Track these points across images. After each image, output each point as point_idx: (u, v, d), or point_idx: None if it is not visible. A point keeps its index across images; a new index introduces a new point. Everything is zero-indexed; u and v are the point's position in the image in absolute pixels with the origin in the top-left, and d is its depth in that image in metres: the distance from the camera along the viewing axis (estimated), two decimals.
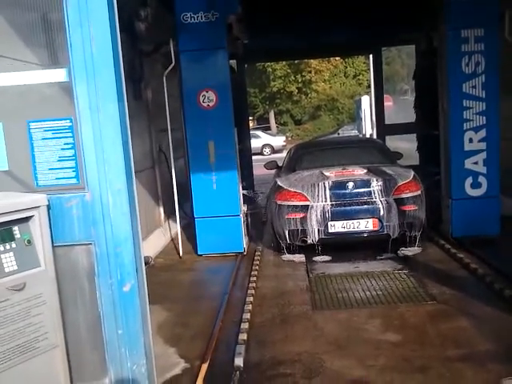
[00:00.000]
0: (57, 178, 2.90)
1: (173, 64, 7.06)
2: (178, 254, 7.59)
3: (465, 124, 7.01)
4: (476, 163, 7.06)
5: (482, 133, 7.00)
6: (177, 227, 8.48)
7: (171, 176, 7.72)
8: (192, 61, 7.10)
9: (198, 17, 6.92)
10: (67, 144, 2.87)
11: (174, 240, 8.34)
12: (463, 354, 4.06)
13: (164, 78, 7.23)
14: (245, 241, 7.57)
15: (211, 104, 7.14)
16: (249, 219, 8.39)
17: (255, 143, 23.79)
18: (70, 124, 2.85)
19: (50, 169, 2.90)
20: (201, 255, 7.46)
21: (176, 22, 6.97)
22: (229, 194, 7.34)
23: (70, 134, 2.86)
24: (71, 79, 2.78)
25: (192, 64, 7.10)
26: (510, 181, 7.51)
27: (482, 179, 7.08)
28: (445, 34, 7.05)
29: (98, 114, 2.78)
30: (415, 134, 10.01)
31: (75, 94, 2.77)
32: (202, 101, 7.14)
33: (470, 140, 7.03)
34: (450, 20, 6.92)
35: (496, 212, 7.10)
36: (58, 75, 2.85)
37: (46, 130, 2.87)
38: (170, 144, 7.51)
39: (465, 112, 6.98)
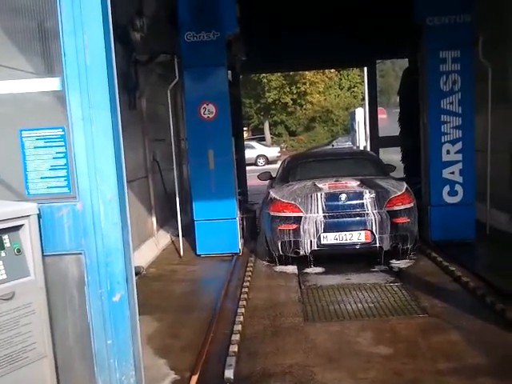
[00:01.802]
0: (48, 187, 2.89)
1: (176, 79, 7.54)
2: (179, 253, 8.01)
3: (443, 137, 7.54)
4: (453, 173, 7.60)
5: (459, 145, 7.54)
6: (170, 236, 8.78)
7: (164, 185, 7.80)
8: (194, 76, 7.60)
9: (200, 36, 7.40)
10: (59, 153, 2.86)
11: (174, 242, 8.77)
12: (454, 368, 4.05)
13: (168, 92, 7.62)
14: (240, 242, 8.01)
15: (211, 116, 7.62)
16: (244, 223, 8.72)
17: (250, 154, 23.88)
18: (63, 133, 2.84)
19: (41, 178, 2.88)
20: (199, 255, 7.89)
21: (180, 40, 7.43)
22: (226, 198, 7.78)
23: (62, 143, 2.84)
24: (64, 88, 2.78)
25: (194, 79, 7.62)
26: None
27: (458, 188, 7.62)
28: (425, 54, 7.58)
29: (91, 123, 2.77)
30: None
31: (68, 102, 2.77)
32: (202, 113, 7.62)
33: (448, 152, 7.57)
34: (429, 41, 7.46)
35: (471, 218, 7.59)
36: (52, 84, 2.84)
37: (38, 139, 2.86)
38: (174, 154, 7.95)
39: (443, 126, 7.52)
